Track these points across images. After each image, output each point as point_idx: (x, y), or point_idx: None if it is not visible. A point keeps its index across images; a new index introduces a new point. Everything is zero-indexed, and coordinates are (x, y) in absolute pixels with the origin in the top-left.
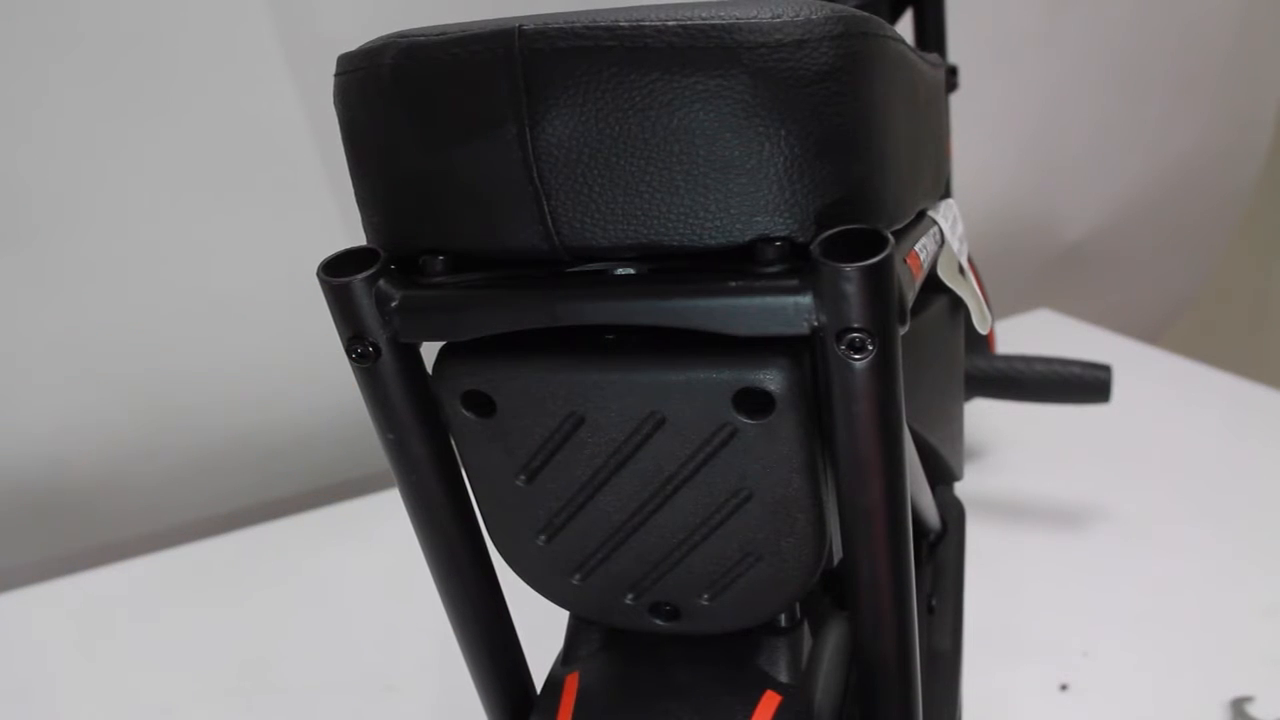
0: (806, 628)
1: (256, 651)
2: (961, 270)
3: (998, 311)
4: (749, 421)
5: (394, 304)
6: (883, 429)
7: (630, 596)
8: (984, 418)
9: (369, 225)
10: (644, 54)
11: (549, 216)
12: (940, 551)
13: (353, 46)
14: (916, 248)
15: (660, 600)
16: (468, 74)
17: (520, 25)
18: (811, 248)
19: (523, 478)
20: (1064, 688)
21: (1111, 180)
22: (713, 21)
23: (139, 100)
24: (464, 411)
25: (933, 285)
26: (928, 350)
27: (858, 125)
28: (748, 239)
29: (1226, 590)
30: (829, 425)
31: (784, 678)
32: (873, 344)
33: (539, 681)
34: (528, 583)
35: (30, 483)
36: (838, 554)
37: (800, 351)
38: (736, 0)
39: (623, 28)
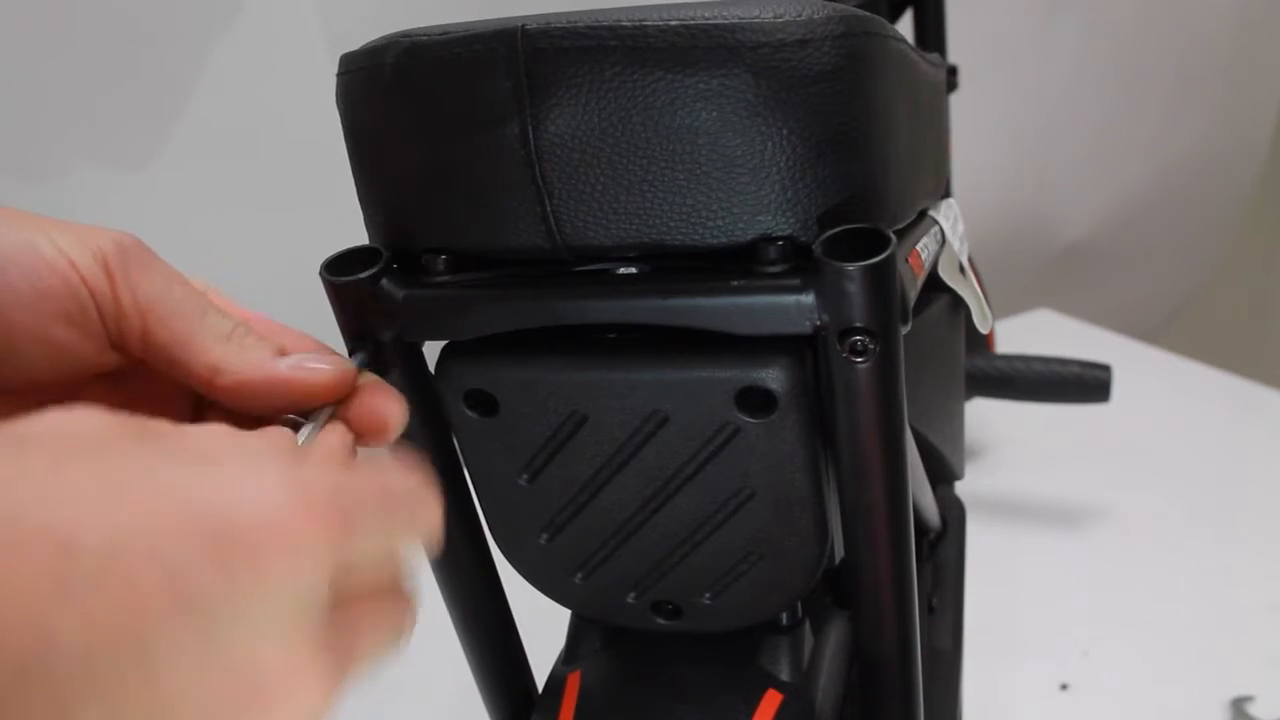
0: (808, 626)
1: None
2: (962, 269)
3: (998, 311)
4: (751, 420)
5: (396, 303)
6: (884, 428)
7: (632, 595)
8: (984, 418)
9: (371, 224)
10: (646, 53)
11: (551, 215)
12: (941, 551)
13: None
14: (918, 247)
15: (662, 599)
16: (470, 73)
17: (523, 25)
18: (814, 247)
19: (525, 477)
20: (1064, 687)
21: (1111, 180)
22: (715, 21)
23: (138, 99)
24: (467, 411)
25: (933, 284)
26: (929, 349)
27: (860, 125)
28: (750, 238)
29: (1226, 590)
30: (831, 424)
31: (785, 676)
32: (874, 343)
33: (541, 680)
34: (530, 581)
35: None
36: (839, 553)
37: (802, 351)
38: (739, 0)
39: (625, 27)
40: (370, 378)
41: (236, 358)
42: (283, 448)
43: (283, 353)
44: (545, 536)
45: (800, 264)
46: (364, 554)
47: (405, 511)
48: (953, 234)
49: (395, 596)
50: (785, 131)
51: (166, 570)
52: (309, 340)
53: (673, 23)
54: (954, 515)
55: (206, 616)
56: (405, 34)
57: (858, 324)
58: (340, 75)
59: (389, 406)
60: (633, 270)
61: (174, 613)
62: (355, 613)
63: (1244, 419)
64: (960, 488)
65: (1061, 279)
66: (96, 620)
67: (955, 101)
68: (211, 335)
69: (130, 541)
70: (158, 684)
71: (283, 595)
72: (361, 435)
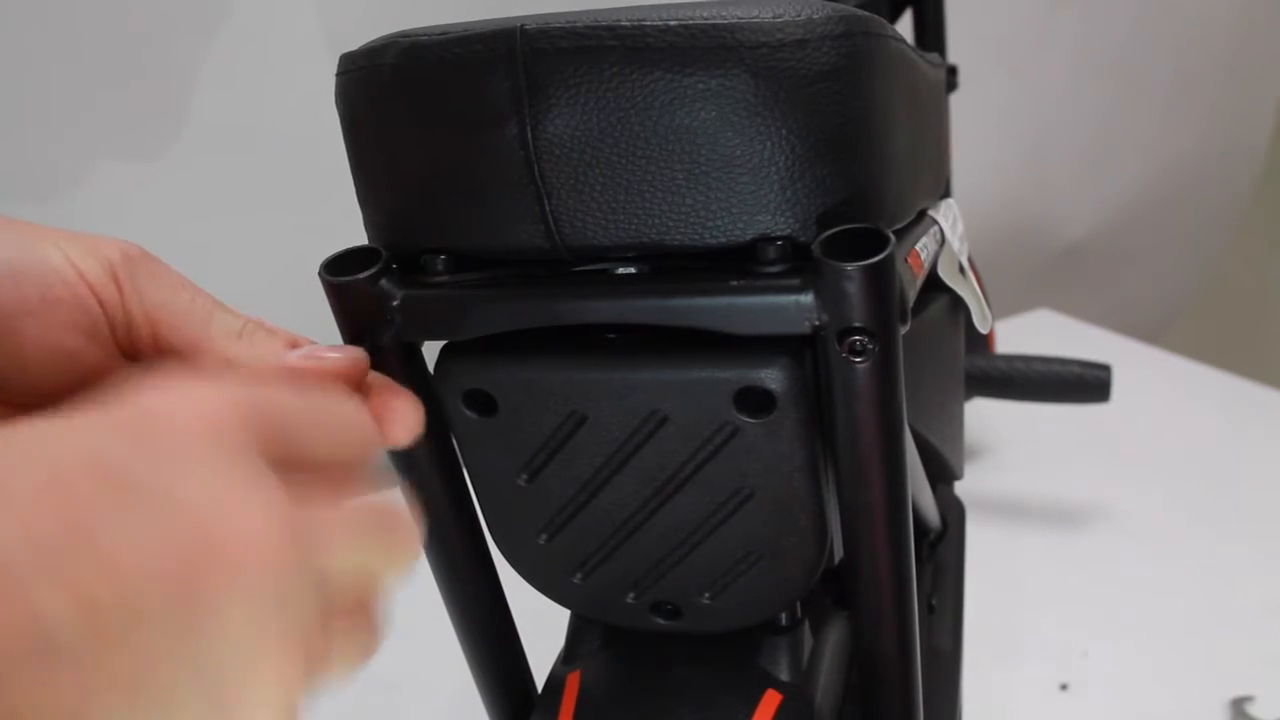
0: (807, 627)
1: None
2: (962, 269)
3: (998, 311)
4: (750, 420)
5: (395, 303)
6: (883, 428)
7: (631, 595)
8: (984, 418)
9: (370, 224)
10: (646, 53)
11: (550, 215)
12: (941, 551)
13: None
14: (917, 247)
15: (661, 599)
16: (469, 73)
17: (522, 25)
18: (813, 247)
19: (524, 477)
20: (1064, 687)
21: (1111, 180)
22: (714, 21)
23: (139, 96)
24: (465, 411)
25: (933, 285)
26: (928, 349)
27: (859, 125)
28: (749, 238)
29: (1226, 590)
30: (830, 424)
31: (785, 676)
32: (874, 343)
33: (540, 680)
34: (529, 581)
35: None
36: (838, 553)
37: (801, 351)
38: (738, 0)
39: (624, 27)
40: (380, 378)
41: (249, 352)
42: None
43: (295, 345)
44: (544, 536)
45: (799, 264)
46: (340, 571)
47: (385, 537)
48: (952, 234)
49: (366, 618)
50: (784, 131)
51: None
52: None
53: (672, 23)
54: (954, 515)
55: (191, 622)
56: (405, 34)
57: (857, 324)
58: (340, 75)
59: (405, 407)
60: (632, 270)
61: (163, 607)
62: (328, 625)
63: (1244, 419)
64: (960, 488)
65: (1061, 279)
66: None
67: (955, 101)
68: (223, 334)
69: (123, 561)
70: (142, 667)
71: (257, 602)
72: (385, 438)
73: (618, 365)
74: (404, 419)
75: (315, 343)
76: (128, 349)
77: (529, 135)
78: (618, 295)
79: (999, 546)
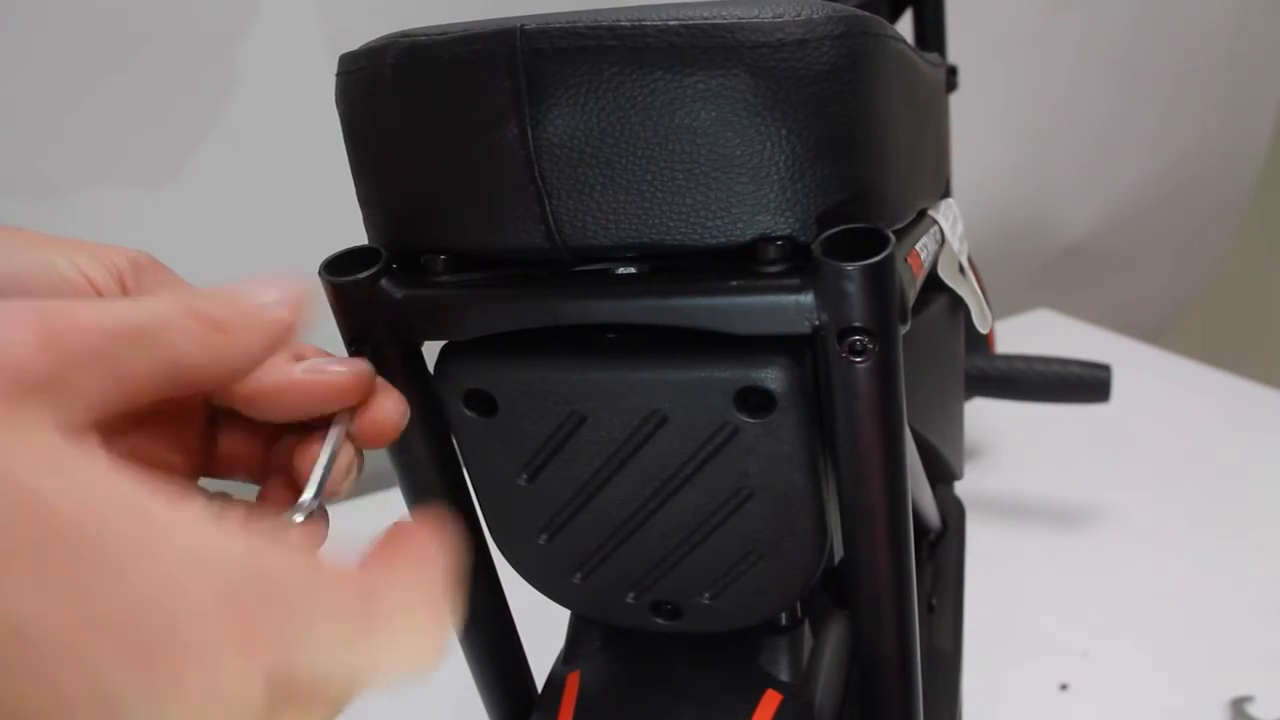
0: (807, 627)
1: None
2: (962, 269)
3: (998, 311)
4: (750, 420)
5: (396, 303)
6: (883, 428)
7: (631, 595)
8: (984, 418)
9: (370, 224)
10: (645, 53)
11: (550, 216)
12: (941, 551)
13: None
14: (917, 247)
15: (661, 599)
16: (469, 73)
17: (522, 25)
18: (813, 247)
19: (524, 477)
20: (1064, 687)
21: (1111, 180)
22: (714, 21)
23: (139, 97)
24: (466, 411)
25: (933, 284)
26: (928, 349)
27: (859, 125)
28: (749, 238)
29: (1227, 590)
30: (830, 424)
31: (785, 676)
32: (874, 343)
33: (541, 680)
34: (529, 581)
35: None
36: (838, 553)
37: (801, 350)
38: (738, 0)
39: (624, 27)
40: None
41: None
42: (231, 541)
43: (299, 358)
44: (544, 537)
45: (799, 264)
46: (310, 666)
47: (383, 631)
48: (952, 234)
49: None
50: (784, 131)
51: (86, 669)
52: (317, 351)
53: (672, 23)
54: (954, 515)
55: (124, 715)
56: (404, 34)
57: (857, 324)
58: (339, 75)
59: (391, 407)
60: (632, 270)
61: (91, 710)
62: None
63: (1244, 419)
64: (960, 488)
65: (1061, 279)
66: (9, 708)
67: (955, 101)
68: None
69: (52, 631)
70: None
71: (203, 701)
72: (364, 438)
73: (618, 365)
74: (388, 416)
75: (322, 351)
76: None
77: (529, 135)
78: (618, 295)
79: (999, 546)
